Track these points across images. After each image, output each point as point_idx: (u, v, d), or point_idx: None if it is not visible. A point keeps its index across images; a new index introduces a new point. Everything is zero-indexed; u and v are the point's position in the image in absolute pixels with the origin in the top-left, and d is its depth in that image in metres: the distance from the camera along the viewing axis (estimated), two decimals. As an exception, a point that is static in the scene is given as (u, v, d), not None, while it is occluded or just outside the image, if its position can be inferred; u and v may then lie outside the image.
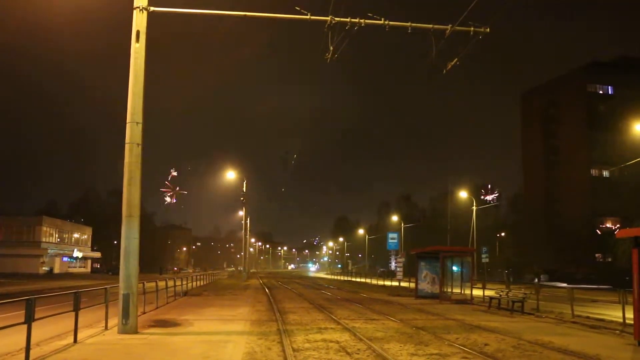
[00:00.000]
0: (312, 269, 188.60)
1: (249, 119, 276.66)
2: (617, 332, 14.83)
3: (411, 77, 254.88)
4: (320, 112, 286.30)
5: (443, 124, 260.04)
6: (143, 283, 16.12)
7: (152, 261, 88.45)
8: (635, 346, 12.33)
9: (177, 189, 76.35)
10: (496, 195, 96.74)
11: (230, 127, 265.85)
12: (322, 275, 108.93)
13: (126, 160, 13.36)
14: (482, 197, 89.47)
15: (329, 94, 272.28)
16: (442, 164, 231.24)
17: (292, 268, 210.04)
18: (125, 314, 12.79)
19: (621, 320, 15.86)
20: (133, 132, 13.40)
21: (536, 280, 60.38)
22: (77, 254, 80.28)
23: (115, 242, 76.25)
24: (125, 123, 13.49)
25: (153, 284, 20.48)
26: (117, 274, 13.37)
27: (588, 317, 18.39)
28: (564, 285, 43.28)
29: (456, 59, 15.87)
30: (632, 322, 13.08)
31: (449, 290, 26.64)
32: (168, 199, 75.59)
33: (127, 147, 13.39)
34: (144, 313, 17.16)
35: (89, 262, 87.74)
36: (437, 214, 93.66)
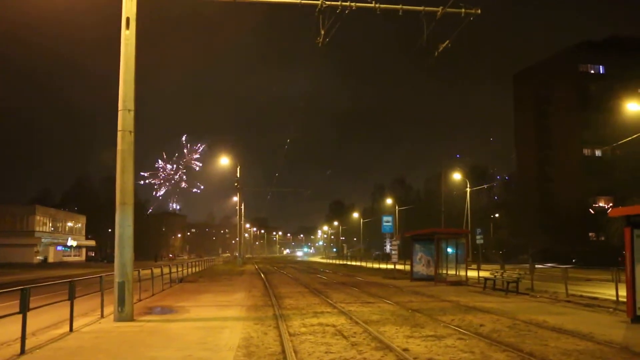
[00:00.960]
0: (300, 253, 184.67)
1: (242, 103, 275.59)
2: (611, 310, 14.98)
3: (404, 60, 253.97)
4: (314, 95, 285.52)
5: (436, 106, 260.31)
6: (138, 270, 16.12)
7: (147, 248, 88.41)
8: (628, 323, 12.45)
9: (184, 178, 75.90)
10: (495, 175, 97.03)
11: (223, 112, 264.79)
12: (317, 259, 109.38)
13: (119, 147, 13.26)
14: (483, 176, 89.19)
15: (322, 77, 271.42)
16: (435, 146, 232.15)
17: (287, 253, 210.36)
18: (121, 302, 12.78)
19: (614, 298, 16.01)
20: (125, 119, 13.29)
21: (530, 260, 60.75)
22: (71, 242, 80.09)
23: (109, 230, 75.94)
24: (118, 111, 13.37)
25: (148, 271, 20.48)
26: (112, 262, 13.34)
27: (582, 296, 18.56)
28: (554, 265, 43.61)
29: (447, 41, 15.88)
30: (625, 299, 13.22)
31: (444, 272, 26.78)
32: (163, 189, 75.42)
33: (119, 134, 13.28)
34: (140, 300, 17.18)
35: (84, 250, 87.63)
36: (431, 196, 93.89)
